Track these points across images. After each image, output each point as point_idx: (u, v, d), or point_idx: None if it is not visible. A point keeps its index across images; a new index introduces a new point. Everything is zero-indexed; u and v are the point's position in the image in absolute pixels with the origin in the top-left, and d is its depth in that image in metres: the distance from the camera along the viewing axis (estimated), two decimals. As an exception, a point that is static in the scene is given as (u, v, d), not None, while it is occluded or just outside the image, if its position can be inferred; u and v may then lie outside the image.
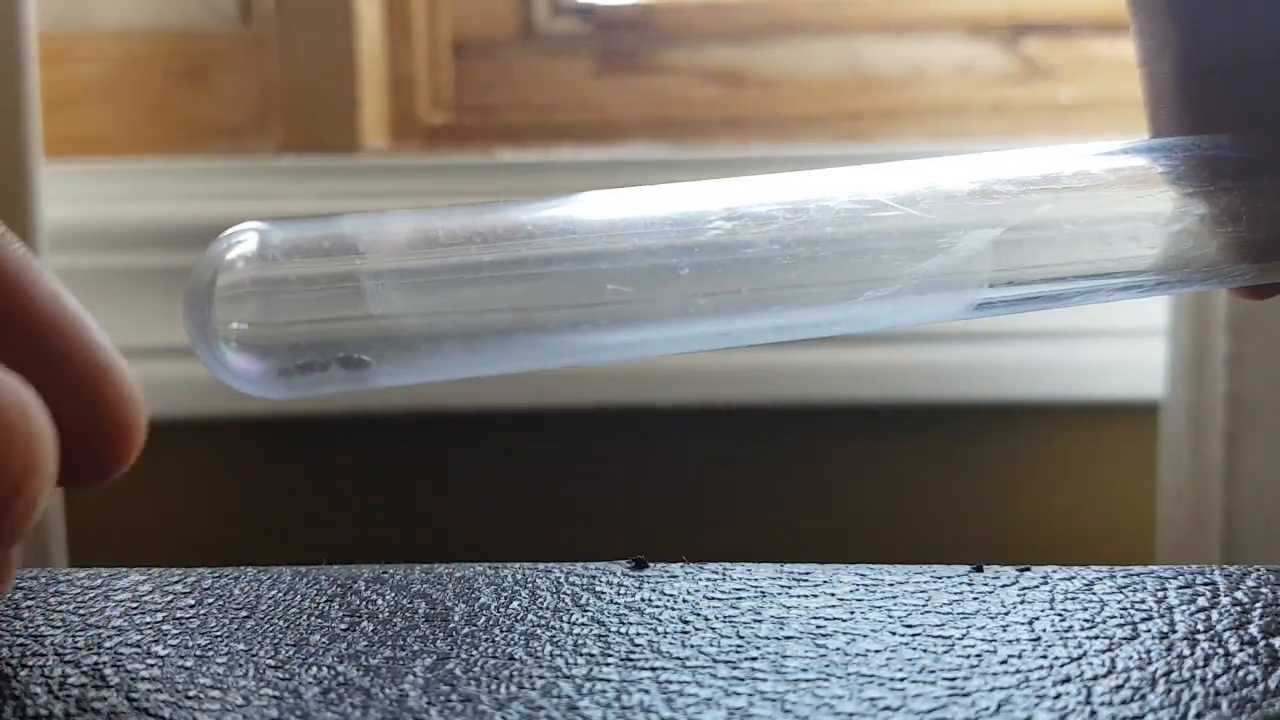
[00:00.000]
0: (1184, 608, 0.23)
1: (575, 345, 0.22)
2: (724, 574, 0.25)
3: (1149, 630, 0.22)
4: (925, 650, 0.22)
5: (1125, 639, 0.22)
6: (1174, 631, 0.22)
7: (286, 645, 0.23)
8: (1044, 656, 0.21)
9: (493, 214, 0.22)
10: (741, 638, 0.22)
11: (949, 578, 0.25)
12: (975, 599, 0.24)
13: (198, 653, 0.22)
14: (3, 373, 0.18)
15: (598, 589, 0.25)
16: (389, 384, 0.21)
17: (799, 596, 0.24)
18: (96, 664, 0.22)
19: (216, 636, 0.23)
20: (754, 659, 0.21)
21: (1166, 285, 0.24)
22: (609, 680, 0.21)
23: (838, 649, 0.22)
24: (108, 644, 0.23)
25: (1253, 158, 0.24)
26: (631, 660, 0.22)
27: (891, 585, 0.25)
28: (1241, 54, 0.26)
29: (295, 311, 0.20)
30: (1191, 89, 0.26)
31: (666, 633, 0.23)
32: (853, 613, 0.23)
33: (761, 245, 0.22)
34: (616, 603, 0.24)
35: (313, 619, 0.24)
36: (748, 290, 0.22)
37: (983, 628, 0.23)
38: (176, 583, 0.26)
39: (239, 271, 0.20)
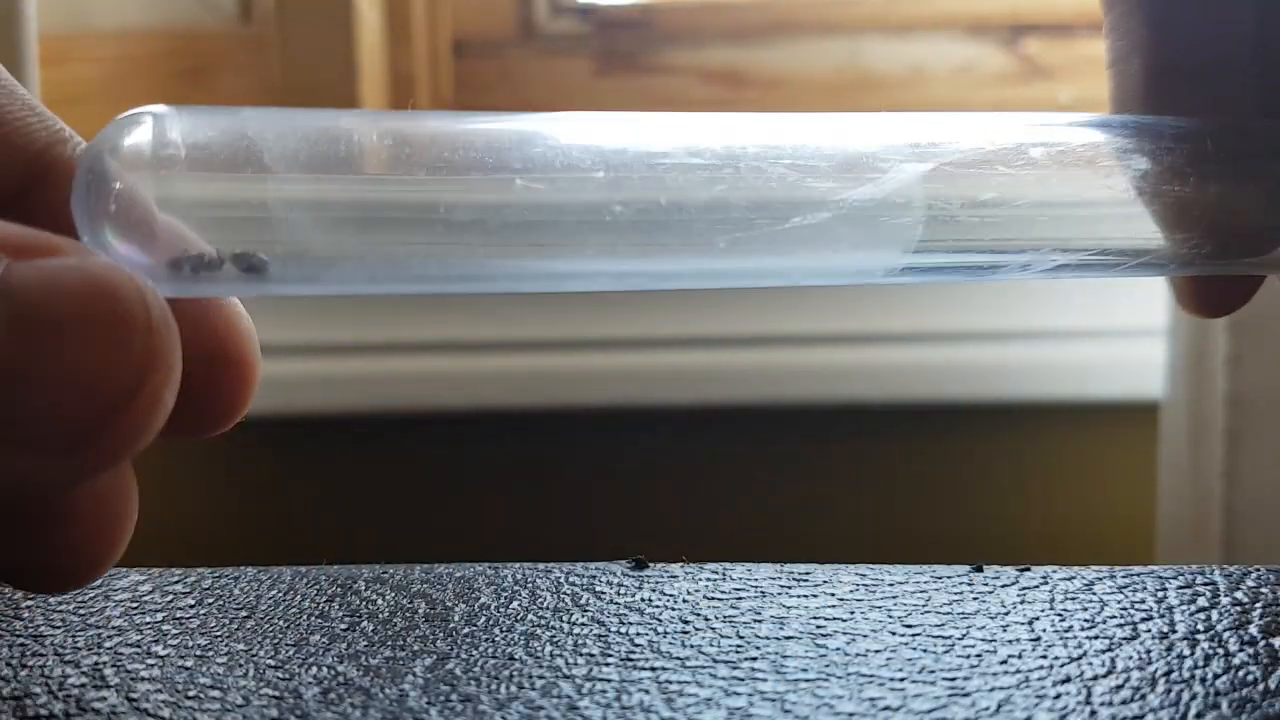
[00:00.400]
0: (1184, 608, 0.23)
1: (485, 266, 0.21)
2: (724, 574, 0.25)
3: (1149, 630, 0.22)
4: (925, 650, 0.22)
5: (1125, 639, 0.22)
6: (1174, 631, 0.22)
7: (286, 645, 0.23)
8: (1044, 656, 0.21)
9: (409, 123, 0.21)
10: (741, 638, 0.22)
11: (949, 578, 0.25)
12: (975, 599, 0.24)
13: (197, 653, 0.22)
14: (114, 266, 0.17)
15: (598, 589, 0.25)
16: (285, 292, 0.20)
17: (799, 596, 0.24)
18: (96, 664, 0.22)
19: (216, 636, 0.23)
20: (754, 659, 0.21)
21: (1103, 267, 0.24)
22: (609, 680, 0.21)
23: (838, 649, 0.22)
24: (107, 644, 0.23)
25: (1205, 144, 0.24)
26: (631, 660, 0.22)
27: (891, 585, 0.25)
28: (1211, 54, 0.25)
29: (189, 197, 0.19)
30: (1159, 89, 0.25)
31: (666, 633, 0.23)
32: (853, 613, 0.23)
33: (681, 159, 0.21)
34: (616, 603, 0.24)
35: (313, 619, 0.24)
36: (671, 213, 0.21)
37: (983, 628, 0.23)
38: (176, 582, 0.26)
39: (130, 153, 0.18)
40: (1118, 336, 0.77)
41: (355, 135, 0.20)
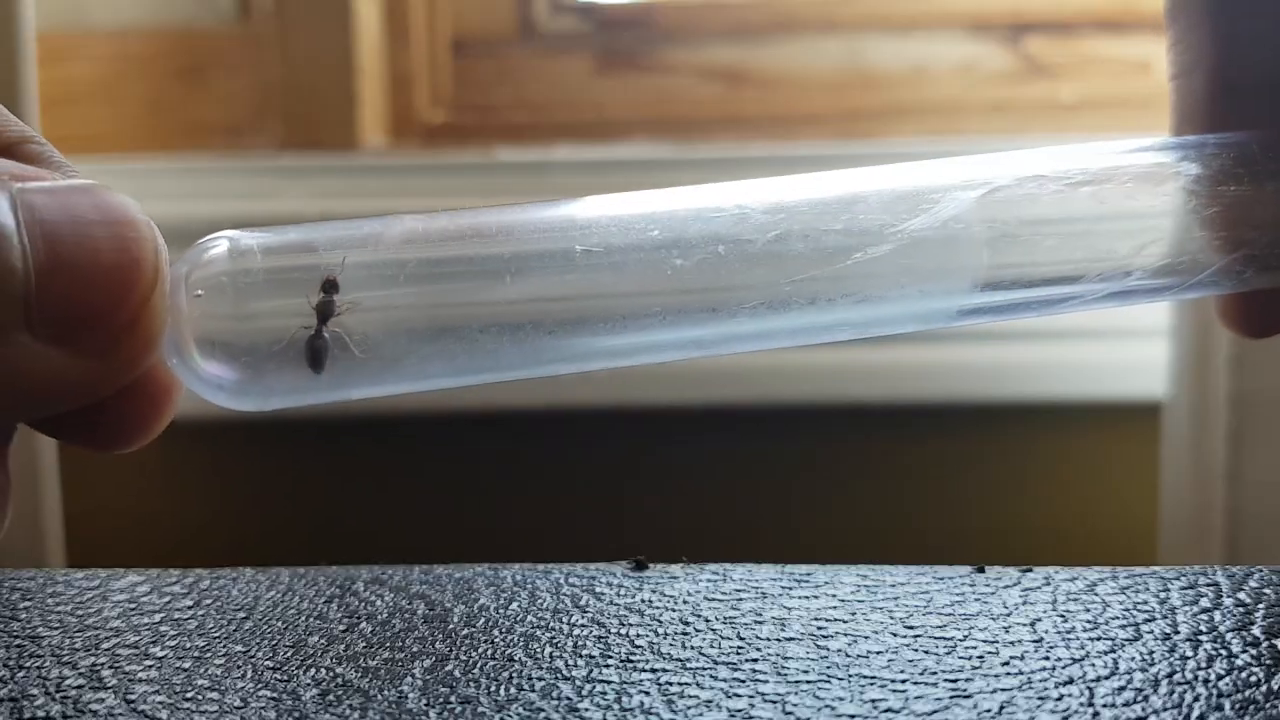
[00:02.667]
0: (1187, 608, 0.23)
1: (556, 347, 0.21)
2: (725, 575, 0.25)
3: (1152, 631, 0.22)
4: (927, 652, 0.22)
5: (1128, 640, 0.22)
6: (1177, 633, 0.22)
7: (285, 646, 0.22)
8: (1046, 658, 0.21)
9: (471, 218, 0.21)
10: (742, 639, 0.22)
11: (951, 579, 0.25)
12: (977, 600, 0.24)
13: (195, 654, 0.22)
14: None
15: (597, 590, 0.25)
16: (366, 388, 0.21)
17: (800, 598, 0.24)
18: (94, 665, 0.22)
19: (214, 638, 0.23)
20: (755, 660, 0.21)
21: (1160, 290, 0.24)
22: (609, 682, 0.21)
23: (839, 650, 0.22)
24: (105, 645, 0.23)
25: (1256, 155, 0.24)
26: (632, 662, 0.21)
27: (893, 586, 0.24)
28: (1275, 71, 0.25)
29: (263, 304, 0.20)
30: (1221, 106, 0.25)
31: (667, 634, 0.23)
32: (854, 614, 0.23)
33: (733, 211, 0.21)
34: (616, 604, 0.24)
35: (311, 620, 0.24)
36: (731, 261, 0.21)
37: (985, 629, 0.22)
38: (174, 583, 0.26)
39: (207, 272, 0.20)
40: (1120, 336, 0.77)
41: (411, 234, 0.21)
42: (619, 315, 0.21)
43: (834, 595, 0.24)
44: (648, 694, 0.20)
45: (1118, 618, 0.23)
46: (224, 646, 0.22)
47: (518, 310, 0.21)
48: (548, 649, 0.22)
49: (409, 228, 0.21)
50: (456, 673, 0.21)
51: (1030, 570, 0.25)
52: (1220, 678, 0.20)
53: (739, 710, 0.20)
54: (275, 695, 0.20)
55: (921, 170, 0.23)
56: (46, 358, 0.18)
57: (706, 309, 0.21)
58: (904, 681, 0.20)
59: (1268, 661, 0.21)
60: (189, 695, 0.20)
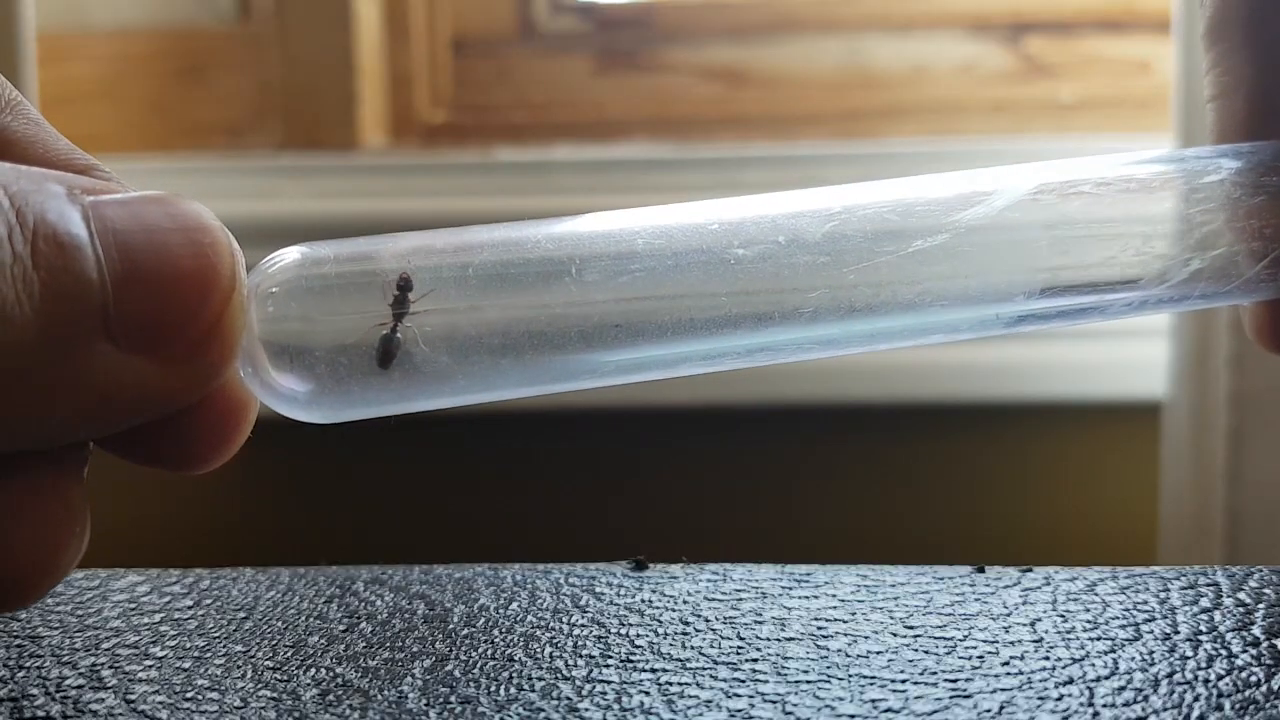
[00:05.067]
0: (1187, 609, 0.23)
1: (619, 351, 0.21)
2: (725, 575, 0.25)
3: (1151, 631, 0.22)
4: (927, 652, 0.22)
5: (1128, 640, 0.22)
6: (1177, 633, 0.22)
7: (285, 646, 0.22)
8: (1046, 658, 0.21)
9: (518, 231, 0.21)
10: (742, 639, 0.22)
11: (951, 579, 0.25)
12: (977, 600, 0.24)
13: (195, 654, 0.22)
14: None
15: (597, 590, 0.25)
16: (435, 394, 0.20)
17: (800, 598, 0.24)
18: (94, 665, 0.22)
19: (214, 638, 0.23)
20: (755, 660, 0.21)
21: (1201, 297, 0.24)
22: (609, 682, 0.21)
23: (839, 650, 0.22)
24: (105, 645, 0.23)
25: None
26: (632, 662, 0.21)
27: (893, 586, 0.24)
28: None
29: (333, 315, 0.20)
30: (1262, 130, 0.25)
31: (667, 634, 0.23)
32: (854, 614, 0.23)
33: (789, 208, 0.21)
34: (616, 604, 0.24)
35: (311, 620, 0.24)
36: (794, 252, 0.21)
37: (985, 629, 0.22)
38: (174, 583, 0.26)
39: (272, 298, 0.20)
40: (1120, 336, 0.77)
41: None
42: (682, 316, 0.21)
43: (834, 595, 0.24)
44: (648, 694, 0.20)
45: (1118, 618, 0.23)
46: (224, 646, 0.22)
47: (583, 311, 0.21)
48: (548, 649, 0.22)
49: (466, 239, 0.21)
50: (456, 673, 0.21)
51: (1030, 570, 0.25)
52: (1220, 678, 0.20)
53: (739, 710, 0.20)
54: (275, 695, 0.20)
55: (962, 178, 0.23)
56: (129, 367, 0.18)
57: (768, 304, 0.21)
58: (904, 681, 0.20)
59: (1268, 661, 0.21)
60: (189, 695, 0.20)
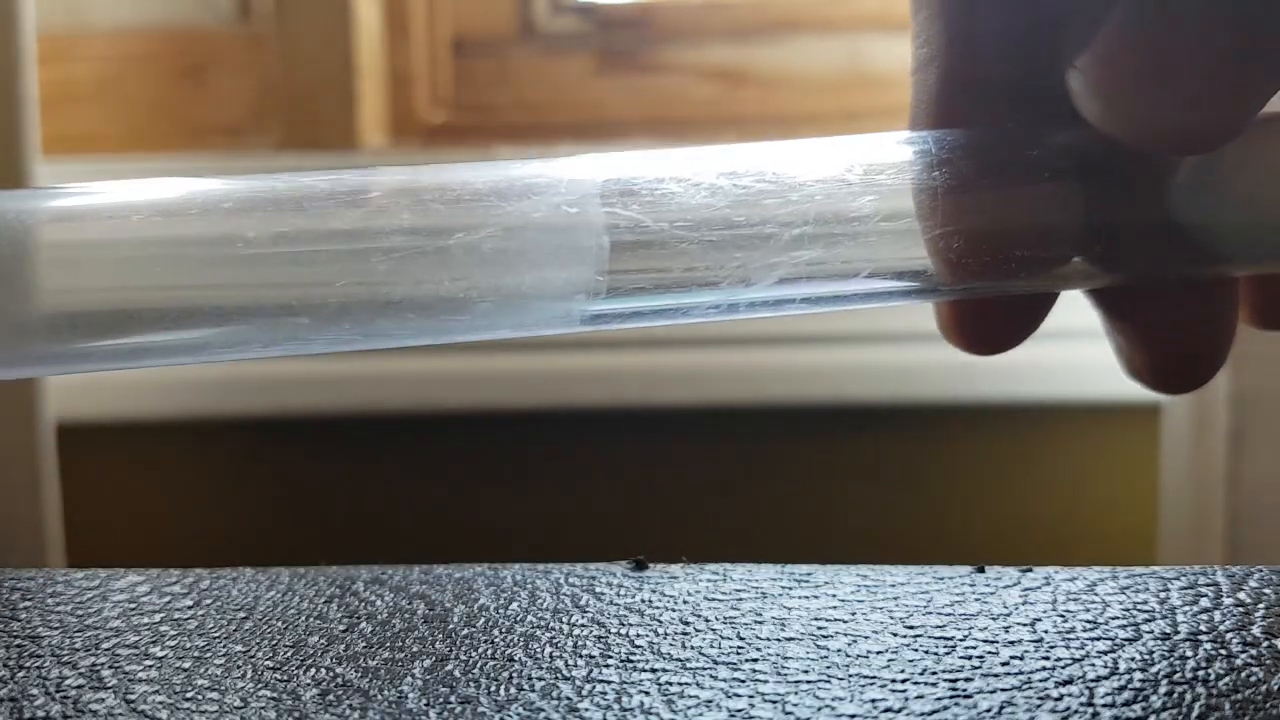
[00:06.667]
0: (1186, 609, 0.23)
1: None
2: (724, 575, 0.25)
3: (1151, 631, 0.22)
4: (927, 652, 0.22)
5: (1128, 640, 0.22)
6: (1176, 633, 0.22)
7: (285, 646, 0.22)
8: (1046, 658, 0.21)
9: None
10: (742, 639, 0.22)
11: (951, 579, 0.25)
12: (977, 600, 0.24)
13: (195, 654, 0.22)
14: None
15: (597, 590, 0.25)
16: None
17: (800, 598, 0.24)
18: (94, 665, 0.22)
19: (214, 638, 0.23)
20: (755, 660, 0.21)
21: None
22: (609, 682, 0.21)
23: (839, 650, 0.22)
24: (105, 645, 0.23)
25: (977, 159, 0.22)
26: (632, 662, 0.21)
27: (893, 586, 0.24)
28: (1009, 74, 0.24)
29: None
30: (951, 103, 0.24)
31: (667, 634, 0.23)
32: (854, 614, 0.23)
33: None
34: (616, 604, 0.24)
35: (311, 620, 0.24)
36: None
37: (985, 629, 0.22)
38: (174, 583, 0.26)
39: None
40: (1119, 336, 0.77)
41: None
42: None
43: (834, 595, 0.24)
44: (648, 694, 0.20)
45: (1118, 618, 0.23)
46: (224, 646, 0.22)
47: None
48: (548, 649, 0.22)
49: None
50: (456, 673, 0.21)
51: (1030, 570, 0.25)
52: (1220, 678, 0.20)
53: (739, 710, 0.20)
54: (275, 695, 0.20)
55: (541, 166, 0.22)
56: None
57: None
58: (904, 681, 0.20)
59: (1268, 661, 0.21)
60: (189, 695, 0.20)
